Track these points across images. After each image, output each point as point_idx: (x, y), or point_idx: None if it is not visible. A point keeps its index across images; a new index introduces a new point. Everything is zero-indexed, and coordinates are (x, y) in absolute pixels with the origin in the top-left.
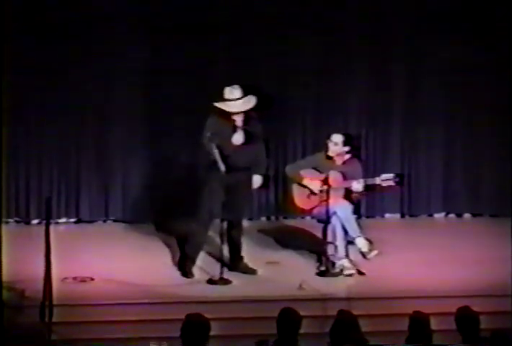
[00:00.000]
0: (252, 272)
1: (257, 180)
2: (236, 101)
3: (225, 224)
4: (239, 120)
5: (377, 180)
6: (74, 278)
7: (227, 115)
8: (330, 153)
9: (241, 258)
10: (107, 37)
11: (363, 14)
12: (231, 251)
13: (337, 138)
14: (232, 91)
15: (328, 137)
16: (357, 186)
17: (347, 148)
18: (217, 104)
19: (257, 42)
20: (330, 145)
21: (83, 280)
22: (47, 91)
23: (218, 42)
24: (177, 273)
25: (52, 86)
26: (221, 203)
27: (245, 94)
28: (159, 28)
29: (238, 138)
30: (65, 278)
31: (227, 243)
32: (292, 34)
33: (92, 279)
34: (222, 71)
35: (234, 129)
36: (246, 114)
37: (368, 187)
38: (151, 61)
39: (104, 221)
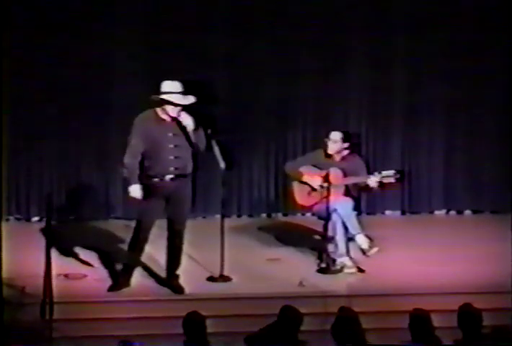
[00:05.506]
0: (180, 291)
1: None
2: (178, 94)
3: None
4: (174, 114)
5: (378, 177)
6: (65, 275)
7: (161, 114)
8: (330, 151)
9: (177, 277)
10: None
11: (363, 12)
12: (169, 262)
13: (336, 136)
14: (174, 85)
15: (327, 135)
16: (373, 181)
17: (346, 145)
18: (159, 97)
19: (256, 42)
20: (329, 143)
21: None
22: (47, 91)
23: (217, 41)
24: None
25: (52, 85)
26: (162, 212)
27: (185, 90)
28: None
29: (189, 123)
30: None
31: (167, 253)
32: (292, 34)
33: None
34: (222, 72)
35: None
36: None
37: (382, 184)
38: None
39: (105, 219)
